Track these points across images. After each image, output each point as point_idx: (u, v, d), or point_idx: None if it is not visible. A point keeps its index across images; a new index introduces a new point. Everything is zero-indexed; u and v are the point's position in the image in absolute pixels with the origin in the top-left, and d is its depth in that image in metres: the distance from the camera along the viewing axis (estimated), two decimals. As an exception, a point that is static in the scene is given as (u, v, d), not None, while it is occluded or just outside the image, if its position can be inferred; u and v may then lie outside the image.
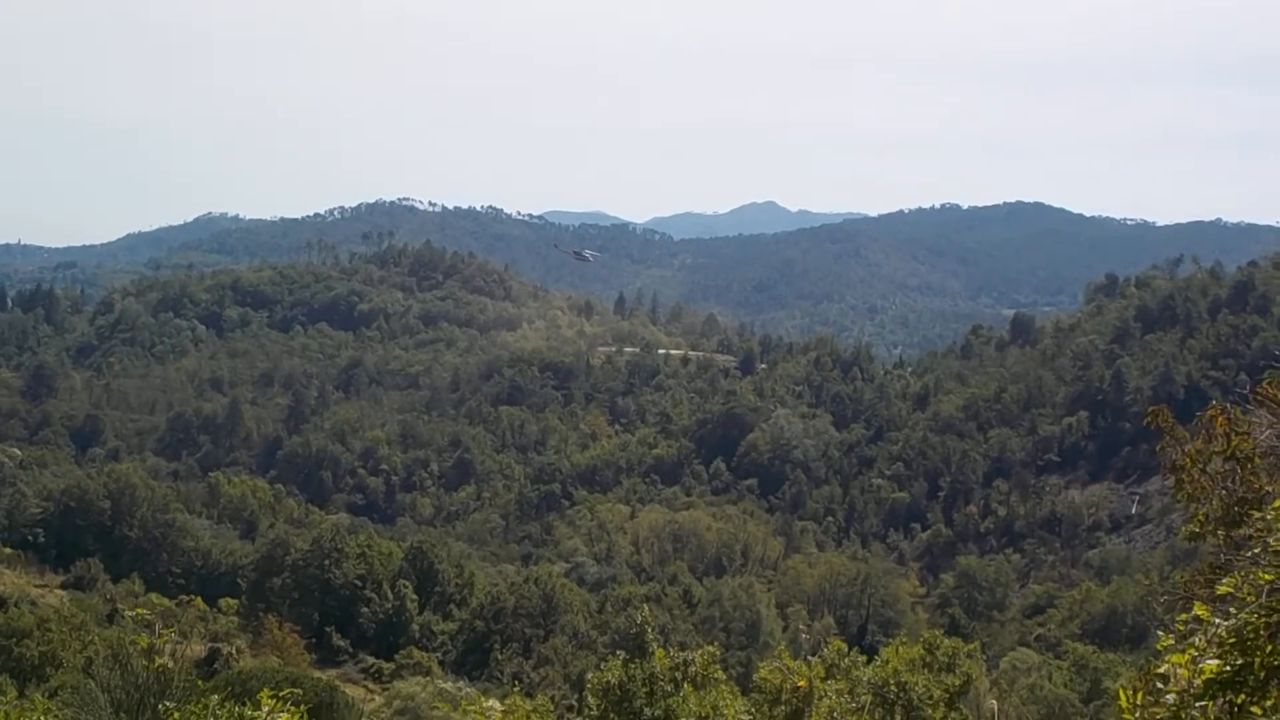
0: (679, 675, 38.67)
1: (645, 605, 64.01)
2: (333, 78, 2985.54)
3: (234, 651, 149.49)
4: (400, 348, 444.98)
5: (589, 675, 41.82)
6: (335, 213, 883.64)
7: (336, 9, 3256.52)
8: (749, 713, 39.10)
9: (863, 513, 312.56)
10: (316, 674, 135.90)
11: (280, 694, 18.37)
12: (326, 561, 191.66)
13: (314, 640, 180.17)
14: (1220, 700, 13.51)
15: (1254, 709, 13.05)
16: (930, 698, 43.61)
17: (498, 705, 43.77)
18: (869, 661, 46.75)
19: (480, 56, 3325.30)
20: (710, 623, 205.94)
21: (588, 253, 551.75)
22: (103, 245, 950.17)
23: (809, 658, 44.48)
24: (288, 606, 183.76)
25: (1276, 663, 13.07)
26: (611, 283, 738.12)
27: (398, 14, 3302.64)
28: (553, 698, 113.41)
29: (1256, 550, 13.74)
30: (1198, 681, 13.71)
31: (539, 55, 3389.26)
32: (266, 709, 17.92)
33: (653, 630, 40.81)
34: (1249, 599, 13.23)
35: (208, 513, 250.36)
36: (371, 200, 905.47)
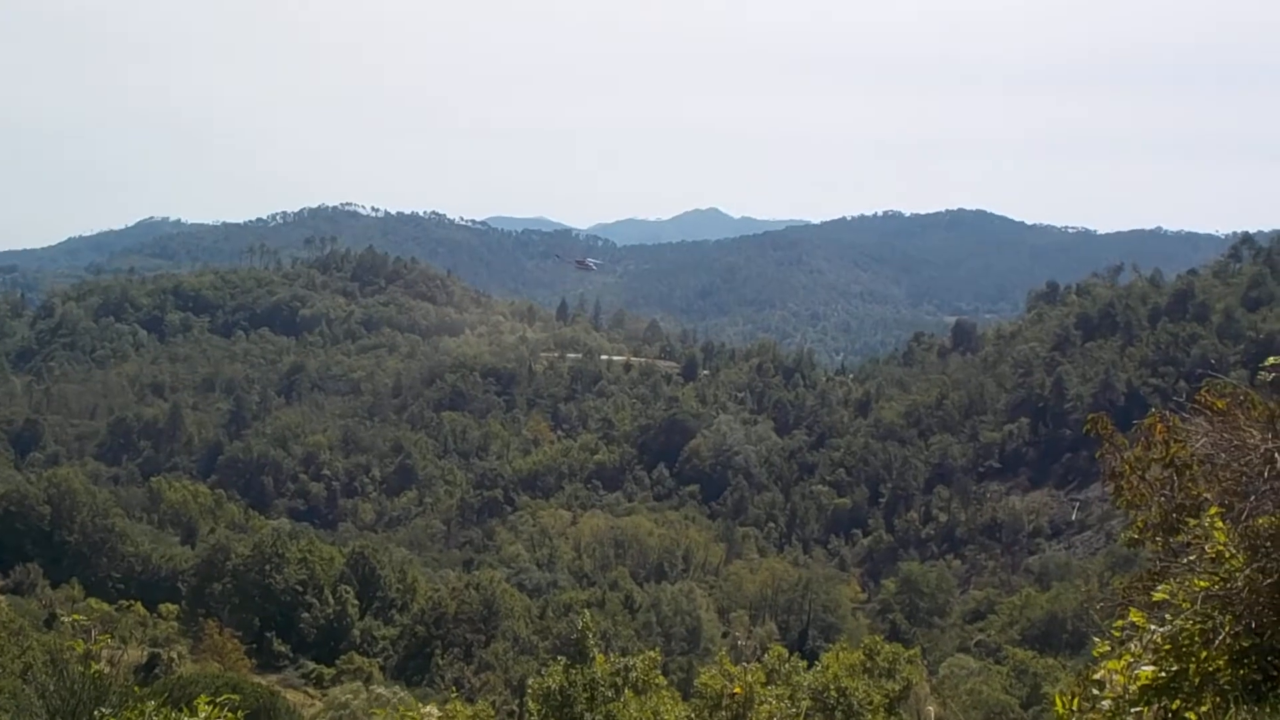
0: (620, 681, 38.69)
1: (587, 611, 64.11)
2: (275, 81, 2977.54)
3: (174, 657, 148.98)
4: (342, 353, 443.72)
5: (530, 681, 41.77)
6: (277, 217, 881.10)
7: (277, 12, 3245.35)
8: (690, 718, 39.11)
9: (804, 519, 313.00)
10: (257, 679, 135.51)
11: (217, 700, 18.30)
12: (267, 567, 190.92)
13: (255, 646, 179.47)
14: (1156, 706, 13.60)
15: (1189, 715, 13.13)
16: (870, 703, 43.76)
17: (435, 711, 43.68)
18: (809, 667, 46.98)
19: (422, 60, 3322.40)
20: (651, 628, 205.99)
21: (590, 261, 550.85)
22: (43, 249, 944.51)
23: (749, 663, 44.53)
24: (228, 612, 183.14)
25: (1211, 669, 13.16)
26: (554, 289, 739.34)
27: (339, 16, 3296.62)
28: (494, 703, 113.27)
29: (1193, 557, 13.84)
30: (1133, 687, 13.78)
31: (479, 59, 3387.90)
32: (203, 715, 17.85)
33: (594, 636, 40.85)
34: (1184, 605, 13.32)
35: (148, 518, 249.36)
36: (314, 205, 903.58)
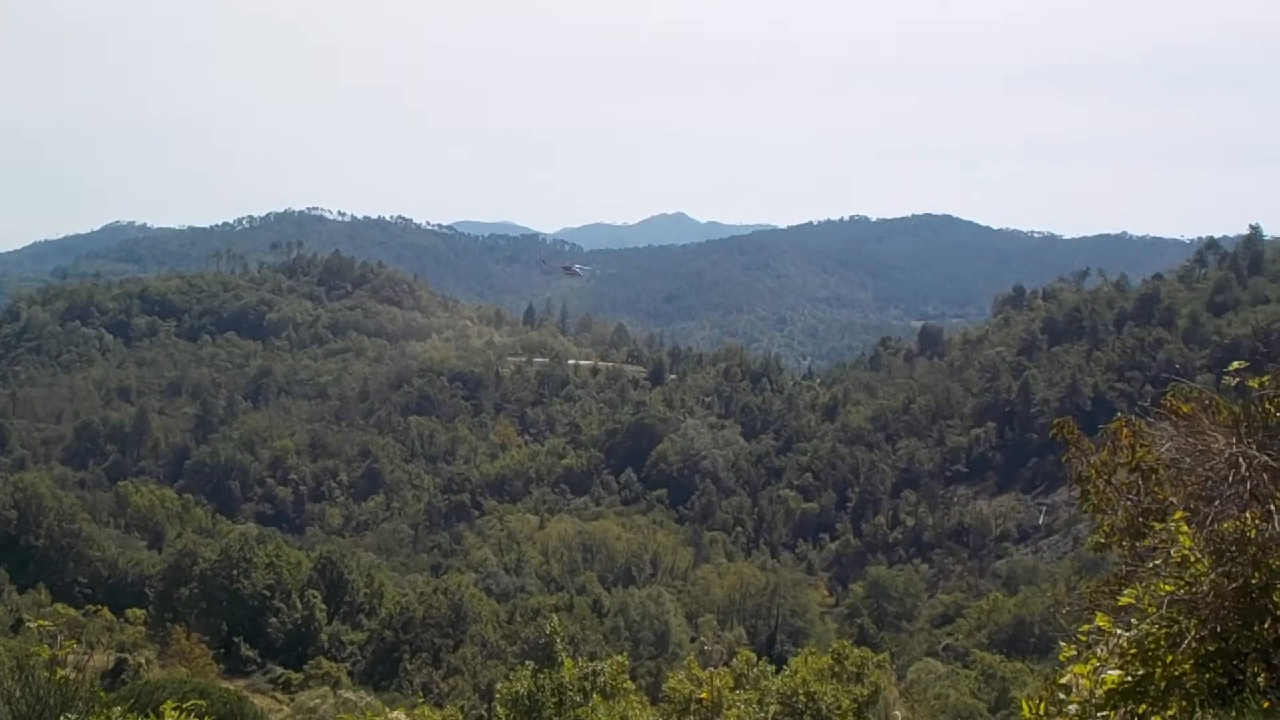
0: (588, 685, 38.74)
1: (554, 615, 64.14)
2: (242, 86, 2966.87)
3: (141, 662, 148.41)
4: (309, 357, 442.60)
5: (498, 685, 41.79)
6: (244, 222, 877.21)
7: (244, 15, 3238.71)
8: (658, 722, 39.16)
9: (772, 523, 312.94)
10: (224, 684, 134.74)
11: (184, 705, 18.26)
12: (235, 571, 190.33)
13: (222, 650, 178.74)
14: (1122, 710, 13.66)
15: (1155, 719, 13.21)
16: (839, 708, 43.81)
17: (402, 716, 43.61)
18: (778, 671, 47.06)
19: (388, 64, 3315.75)
20: (619, 633, 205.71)
21: (577, 267, 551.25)
22: (8, 253, 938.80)
23: (717, 668, 44.58)
24: (195, 617, 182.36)
25: (1177, 673, 13.23)
26: (521, 293, 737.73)
27: (305, 19, 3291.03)
28: (462, 708, 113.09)
29: (1158, 561, 13.90)
30: (1100, 692, 13.85)
31: (445, 63, 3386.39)
32: (169, 720, 17.81)
33: (562, 640, 40.97)
34: (1150, 610, 13.38)
35: (115, 522, 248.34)
36: (280, 210, 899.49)
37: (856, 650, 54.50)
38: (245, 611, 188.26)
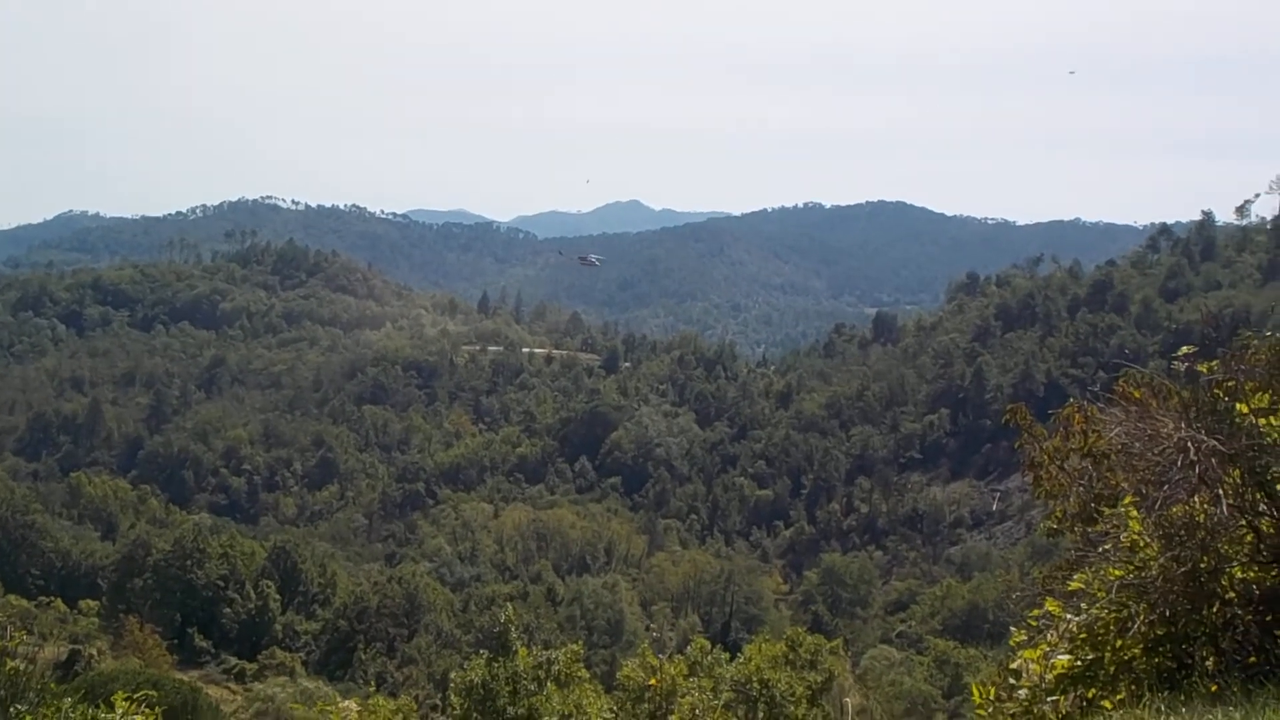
0: (542, 674, 38.66)
1: (509, 604, 64.13)
2: (195, 73, 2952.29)
3: (94, 653, 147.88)
4: (263, 347, 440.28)
5: (452, 674, 41.66)
6: (197, 211, 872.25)
7: (195, 6, 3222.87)
8: (612, 711, 39.14)
9: (726, 510, 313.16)
10: (178, 675, 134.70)
11: (134, 696, 18.18)
12: (188, 562, 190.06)
13: (176, 641, 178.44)
14: (1072, 694, 13.72)
15: (1105, 703, 13.27)
16: (793, 695, 43.90)
17: (354, 706, 43.49)
18: (732, 659, 47.03)
19: (339, 54, 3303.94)
20: (574, 621, 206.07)
21: (593, 257, 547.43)
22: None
23: (671, 655, 44.58)
24: (149, 607, 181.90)
25: (1126, 657, 13.29)
26: (475, 281, 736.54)
27: (257, 10, 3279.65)
28: (416, 697, 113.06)
29: (1108, 546, 13.96)
30: (1050, 676, 13.91)
31: (397, 52, 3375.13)
32: (121, 711, 17.74)
33: (516, 629, 40.73)
34: (1100, 594, 13.43)
35: (68, 513, 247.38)
36: (234, 199, 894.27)
37: (810, 637, 54.57)
38: (199, 602, 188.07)
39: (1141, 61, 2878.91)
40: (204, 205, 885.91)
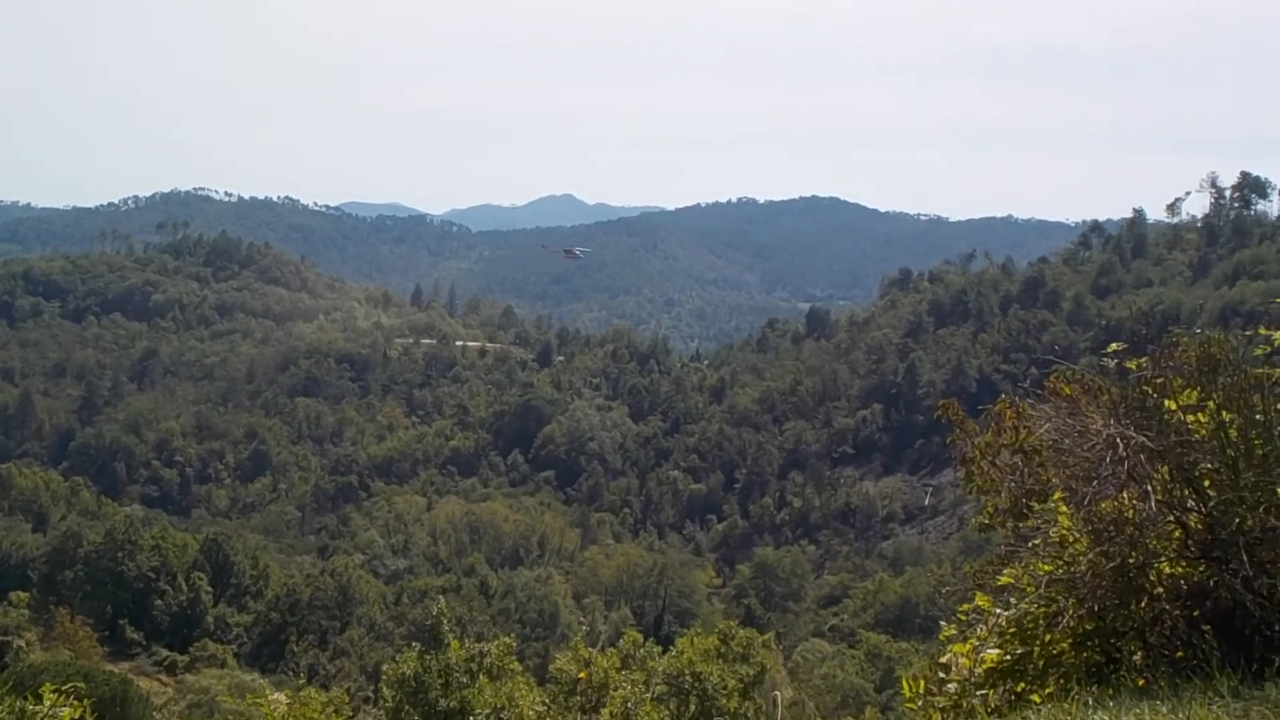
0: (475, 666, 38.64)
1: (442, 597, 63.81)
2: (127, 64, 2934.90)
3: (23, 645, 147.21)
4: (195, 339, 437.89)
5: (385, 667, 41.62)
6: (130, 202, 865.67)
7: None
8: (544, 704, 39.13)
9: (659, 504, 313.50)
10: (109, 667, 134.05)
11: (63, 688, 18.09)
12: (120, 554, 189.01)
13: (107, 633, 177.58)
14: (1001, 689, 13.81)
15: (1033, 697, 13.35)
16: (725, 688, 44.00)
17: (283, 698, 43.37)
18: (664, 652, 47.13)
19: (273, 44, 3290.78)
20: (508, 614, 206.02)
21: (578, 250, 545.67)
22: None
23: (603, 648, 44.67)
24: (80, 599, 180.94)
25: (1055, 652, 13.38)
26: (409, 274, 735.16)
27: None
28: (349, 689, 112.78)
29: (1038, 542, 14.05)
30: (979, 670, 14.00)
31: (329, 44, 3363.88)
32: (49, 703, 17.66)
33: (449, 622, 40.75)
34: (1029, 589, 13.53)
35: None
36: (166, 190, 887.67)
37: (743, 631, 54.75)
38: (130, 594, 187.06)
39: (1074, 60, 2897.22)
40: (136, 196, 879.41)
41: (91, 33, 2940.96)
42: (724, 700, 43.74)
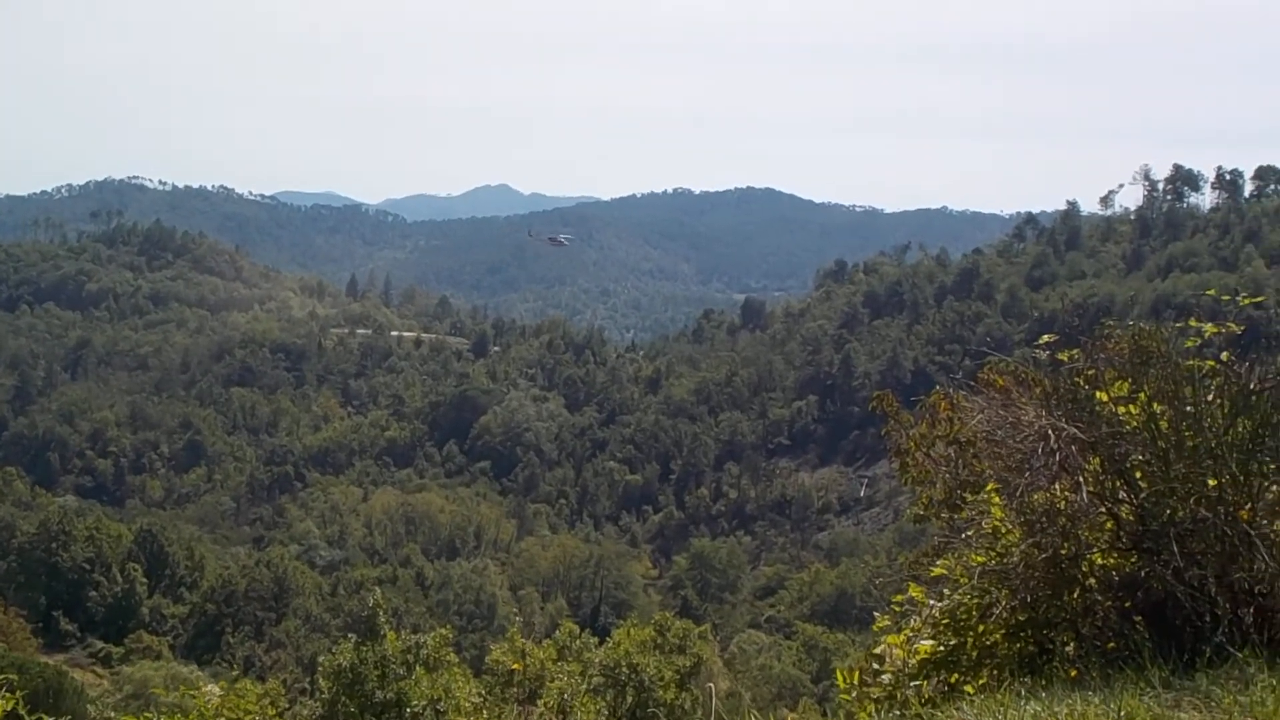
0: (411, 658, 38.58)
1: (378, 588, 63.84)
2: (55, 51, 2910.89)
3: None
4: (130, 328, 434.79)
5: (321, 658, 41.46)
6: (63, 190, 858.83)
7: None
8: (481, 695, 39.11)
9: (595, 495, 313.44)
10: (43, 659, 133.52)
11: (-4, 681, 17.97)
12: (54, 544, 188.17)
13: (41, 625, 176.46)
14: (935, 680, 13.89)
15: (967, 688, 13.42)
16: (661, 679, 44.14)
17: (217, 690, 43.30)
18: (601, 644, 47.17)
19: (206, 31, 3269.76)
20: (444, 605, 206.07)
21: (562, 236, 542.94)
22: None
23: (538, 639, 44.71)
24: (13, 590, 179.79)
25: (988, 642, 13.46)
26: (344, 264, 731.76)
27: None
28: (285, 681, 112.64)
29: (971, 533, 14.12)
30: (913, 661, 14.07)
31: (263, 31, 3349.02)
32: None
33: (385, 613, 40.62)
34: (963, 580, 13.61)
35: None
36: (100, 178, 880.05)
37: (679, 622, 55.01)
38: (64, 585, 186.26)
39: (1008, 51, 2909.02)
40: (69, 185, 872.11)
41: (18, 20, 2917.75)
42: (661, 692, 43.86)
